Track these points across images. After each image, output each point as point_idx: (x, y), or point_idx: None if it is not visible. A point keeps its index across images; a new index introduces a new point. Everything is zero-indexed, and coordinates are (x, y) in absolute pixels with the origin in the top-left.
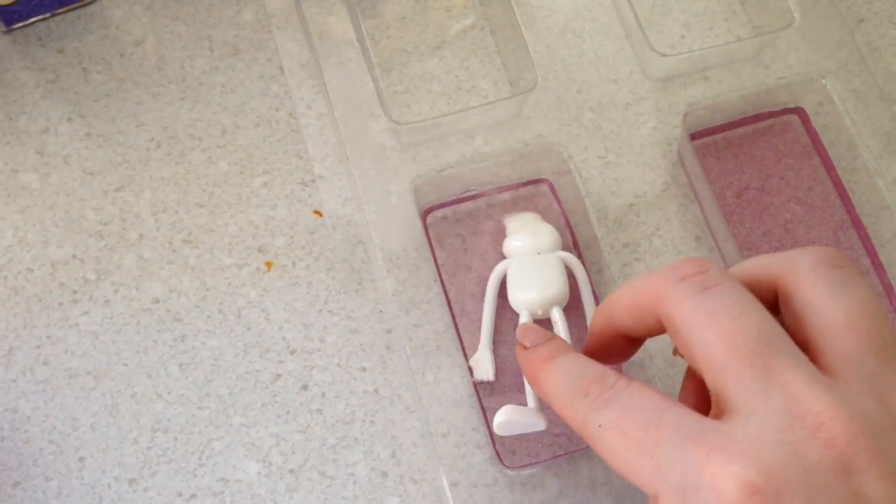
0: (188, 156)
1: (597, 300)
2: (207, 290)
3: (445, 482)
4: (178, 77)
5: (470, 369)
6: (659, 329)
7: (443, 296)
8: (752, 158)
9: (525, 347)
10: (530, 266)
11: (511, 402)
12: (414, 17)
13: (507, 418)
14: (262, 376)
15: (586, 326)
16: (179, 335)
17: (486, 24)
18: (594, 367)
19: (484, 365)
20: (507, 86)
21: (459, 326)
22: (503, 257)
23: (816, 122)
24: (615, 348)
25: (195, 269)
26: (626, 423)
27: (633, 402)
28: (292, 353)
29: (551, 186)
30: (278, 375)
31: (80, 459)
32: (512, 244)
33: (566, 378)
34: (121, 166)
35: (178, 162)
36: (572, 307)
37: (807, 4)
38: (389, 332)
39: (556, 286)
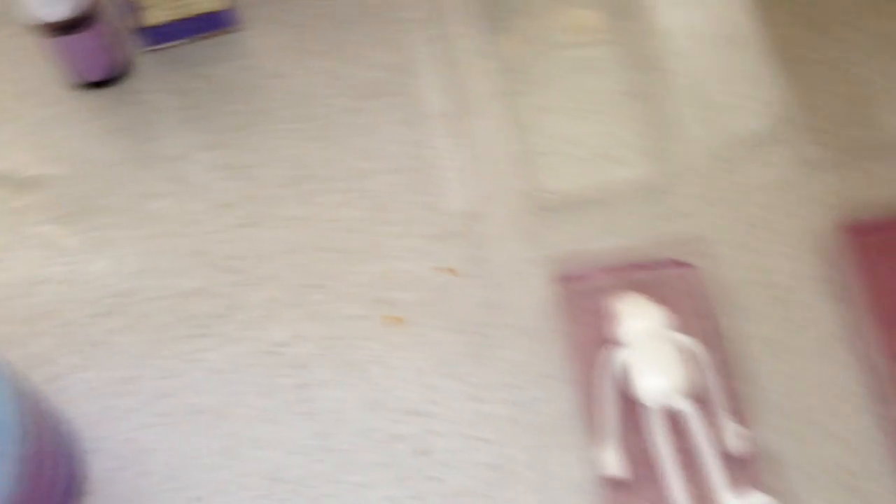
0: (321, 197)
1: (728, 389)
2: (332, 338)
3: None
4: (319, 114)
5: (599, 466)
6: None
7: (571, 372)
8: None
9: None
10: (651, 352)
11: (638, 496)
12: (562, 75)
13: None
14: (380, 435)
15: (714, 414)
16: (302, 382)
17: (636, 91)
18: None
19: (613, 461)
20: (651, 158)
21: (589, 406)
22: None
23: None
24: None
25: (321, 315)
26: None
27: None
28: (414, 414)
29: (696, 273)
30: (397, 437)
31: (198, 499)
32: (628, 329)
33: None
34: (255, 201)
35: (311, 203)
36: (696, 396)
37: None
38: (515, 404)
39: (680, 373)
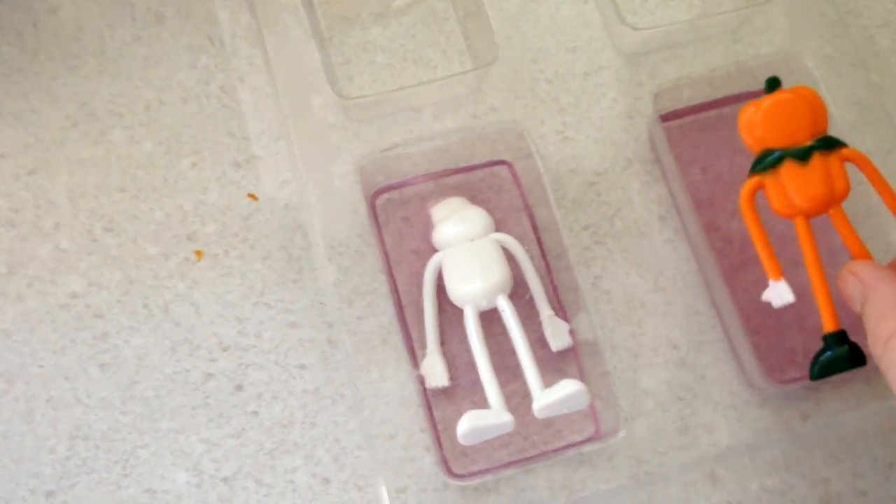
0: (108, 135)
1: (549, 282)
2: (131, 282)
3: (385, 491)
4: (97, 48)
5: (421, 378)
6: None
7: (389, 285)
8: (727, 140)
9: None
10: (466, 255)
11: (464, 402)
12: None
13: (471, 426)
14: (191, 376)
15: (536, 311)
16: (100, 333)
17: None
18: None
19: (436, 371)
20: (457, 55)
21: (407, 319)
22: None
23: None
24: None
25: (117, 259)
26: None
27: None
28: (225, 350)
29: (511, 169)
30: (210, 375)
31: None
32: (442, 234)
33: None
34: (34, 147)
35: (98, 142)
36: (517, 293)
37: None
38: (331, 325)
39: (497, 273)
